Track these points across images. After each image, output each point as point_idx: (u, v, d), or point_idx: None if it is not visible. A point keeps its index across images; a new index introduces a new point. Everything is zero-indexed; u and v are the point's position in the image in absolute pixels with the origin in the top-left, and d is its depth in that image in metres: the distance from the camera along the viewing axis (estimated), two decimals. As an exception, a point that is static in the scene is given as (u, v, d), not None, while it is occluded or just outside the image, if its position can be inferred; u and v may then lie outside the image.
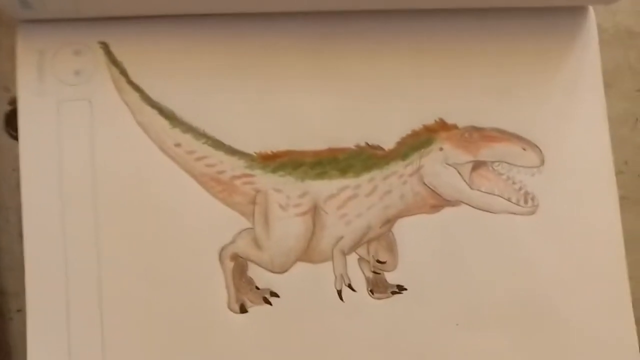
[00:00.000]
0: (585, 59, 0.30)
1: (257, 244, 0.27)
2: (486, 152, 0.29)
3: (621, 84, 0.33)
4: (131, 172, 0.26)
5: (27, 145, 0.26)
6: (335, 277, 0.28)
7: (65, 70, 0.26)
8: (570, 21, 0.30)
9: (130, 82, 0.27)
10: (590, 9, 0.30)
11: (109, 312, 0.26)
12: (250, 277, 0.27)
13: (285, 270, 0.27)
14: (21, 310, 0.26)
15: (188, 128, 0.27)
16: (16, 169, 0.27)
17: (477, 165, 0.29)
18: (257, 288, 0.27)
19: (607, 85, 0.30)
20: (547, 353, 0.29)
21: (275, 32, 0.28)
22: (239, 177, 0.28)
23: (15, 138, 0.27)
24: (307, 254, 0.28)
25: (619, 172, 0.30)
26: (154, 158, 0.27)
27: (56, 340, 0.26)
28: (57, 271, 0.26)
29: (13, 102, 0.27)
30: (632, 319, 0.30)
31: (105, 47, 0.27)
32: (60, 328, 0.26)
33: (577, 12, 0.30)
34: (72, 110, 0.26)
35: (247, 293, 0.27)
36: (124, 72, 0.27)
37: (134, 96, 0.27)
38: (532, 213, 0.29)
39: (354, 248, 0.28)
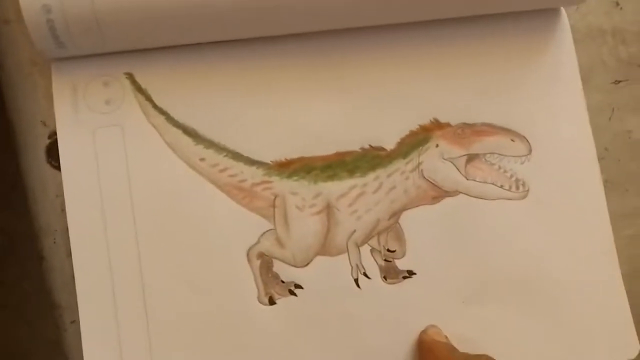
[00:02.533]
0: (562, 55, 0.33)
1: (279, 242, 0.31)
2: (478, 146, 0.32)
3: (596, 78, 0.36)
4: (164, 187, 0.30)
5: (68, 172, 0.29)
6: (352, 267, 0.31)
7: (96, 101, 0.30)
8: (545, 22, 0.33)
9: (156, 107, 0.30)
10: (562, 10, 0.34)
11: (153, 316, 0.29)
12: (276, 273, 0.30)
13: (307, 264, 0.31)
14: (75, 322, 0.29)
15: (210, 144, 0.30)
16: (60, 195, 0.30)
17: (471, 158, 0.32)
18: (283, 282, 0.30)
19: (584, 80, 0.33)
20: (545, 323, 0.32)
21: (281, 51, 0.31)
22: (258, 184, 0.31)
23: (57, 168, 0.30)
24: (325, 248, 0.31)
25: (600, 158, 0.33)
26: (183, 173, 0.30)
27: (108, 346, 0.29)
28: (104, 283, 0.29)
29: (52, 135, 0.30)
30: (623, 290, 0.33)
31: (130, 77, 0.30)
32: (111, 334, 0.29)
33: (550, 13, 0.34)
34: (106, 136, 0.29)
35: (274, 287, 0.30)
36: (149, 98, 0.30)
37: (160, 119, 0.30)
38: (524, 197, 0.32)
39: (366, 240, 0.31)
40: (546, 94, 0.33)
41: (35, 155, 0.30)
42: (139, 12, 0.27)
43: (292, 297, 0.30)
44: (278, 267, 0.31)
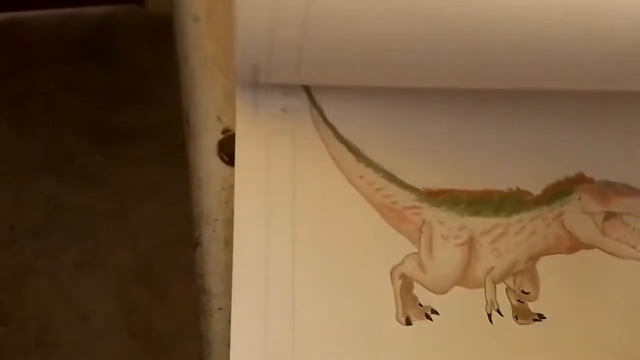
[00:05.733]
0: None
1: (421, 267, 0.32)
2: (617, 205, 0.34)
3: None
4: (323, 195, 0.31)
5: (241, 167, 0.31)
6: (487, 302, 0.32)
7: (274, 107, 0.32)
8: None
9: (326, 121, 0.32)
10: None
11: (300, 314, 0.30)
12: (415, 295, 0.32)
13: (445, 292, 0.32)
14: (222, 309, 0.31)
15: (370, 163, 0.32)
16: (225, 188, 0.32)
17: (609, 215, 0.34)
18: (421, 305, 0.32)
19: None
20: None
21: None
22: (409, 208, 0.32)
23: (226, 162, 0.32)
24: (463, 279, 0.32)
25: None
26: (342, 186, 0.32)
27: (255, 337, 0.30)
28: (258, 276, 0.30)
29: (225, 131, 0.32)
30: None
31: (307, 90, 0.32)
32: (259, 326, 0.30)
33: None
34: (278, 141, 0.31)
35: (412, 308, 0.31)
36: (321, 113, 0.32)
37: (328, 133, 0.32)
38: (655, 261, 0.33)
39: (502, 278, 0.32)
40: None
41: (206, 147, 0.32)
42: (349, 53, 0.29)
43: (428, 321, 0.31)
44: (417, 291, 0.32)
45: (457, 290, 0.32)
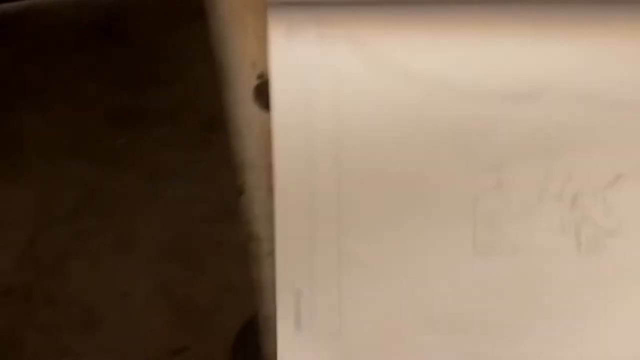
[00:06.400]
0: None
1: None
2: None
3: None
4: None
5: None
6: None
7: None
8: None
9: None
10: None
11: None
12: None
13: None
14: (271, 254, 0.30)
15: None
16: (264, 134, 0.31)
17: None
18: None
19: None
20: None
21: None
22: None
23: (264, 108, 0.31)
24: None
25: None
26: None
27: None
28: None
29: (260, 76, 0.31)
30: None
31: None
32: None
33: None
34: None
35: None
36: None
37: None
38: None
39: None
40: None
41: (242, 95, 0.32)
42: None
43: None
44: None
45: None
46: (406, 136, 0.30)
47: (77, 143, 1.08)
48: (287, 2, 0.30)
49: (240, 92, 0.31)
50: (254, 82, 0.31)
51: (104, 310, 1.00)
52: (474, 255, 0.29)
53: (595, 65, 0.30)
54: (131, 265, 1.02)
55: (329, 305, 0.29)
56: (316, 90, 0.30)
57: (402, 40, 0.30)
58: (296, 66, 0.31)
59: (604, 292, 0.29)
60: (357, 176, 0.30)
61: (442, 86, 0.29)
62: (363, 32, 0.30)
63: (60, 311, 0.95)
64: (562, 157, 0.30)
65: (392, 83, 0.30)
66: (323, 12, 0.30)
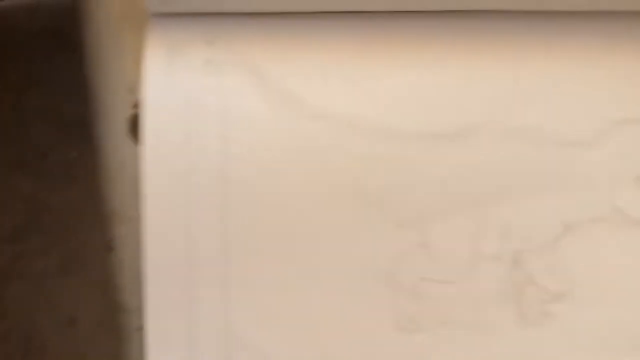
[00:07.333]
0: None
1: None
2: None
3: None
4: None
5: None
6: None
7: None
8: None
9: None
10: None
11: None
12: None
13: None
14: (141, 329, 0.25)
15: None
16: (137, 177, 0.26)
17: None
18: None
19: None
20: None
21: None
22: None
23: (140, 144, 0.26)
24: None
25: None
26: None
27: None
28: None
29: (137, 105, 0.26)
30: None
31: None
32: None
33: None
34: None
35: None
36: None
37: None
38: None
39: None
40: None
41: (116, 127, 0.26)
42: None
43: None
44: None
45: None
46: (308, 184, 0.24)
47: (24, 157, 1.03)
48: (172, 13, 0.24)
49: (113, 123, 0.26)
50: (128, 111, 0.26)
51: (48, 338, 0.94)
52: (395, 332, 0.23)
53: (538, 99, 0.24)
54: (78, 288, 0.96)
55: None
56: (200, 127, 0.24)
57: (305, 70, 0.24)
58: (176, 97, 0.25)
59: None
60: (248, 232, 0.25)
61: (351, 124, 0.24)
62: (259, 57, 0.24)
63: (-6, 342, 0.88)
64: (498, 207, 0.24)
65: (292, 120, 0.24)
66: (214, 27, 0.25)
